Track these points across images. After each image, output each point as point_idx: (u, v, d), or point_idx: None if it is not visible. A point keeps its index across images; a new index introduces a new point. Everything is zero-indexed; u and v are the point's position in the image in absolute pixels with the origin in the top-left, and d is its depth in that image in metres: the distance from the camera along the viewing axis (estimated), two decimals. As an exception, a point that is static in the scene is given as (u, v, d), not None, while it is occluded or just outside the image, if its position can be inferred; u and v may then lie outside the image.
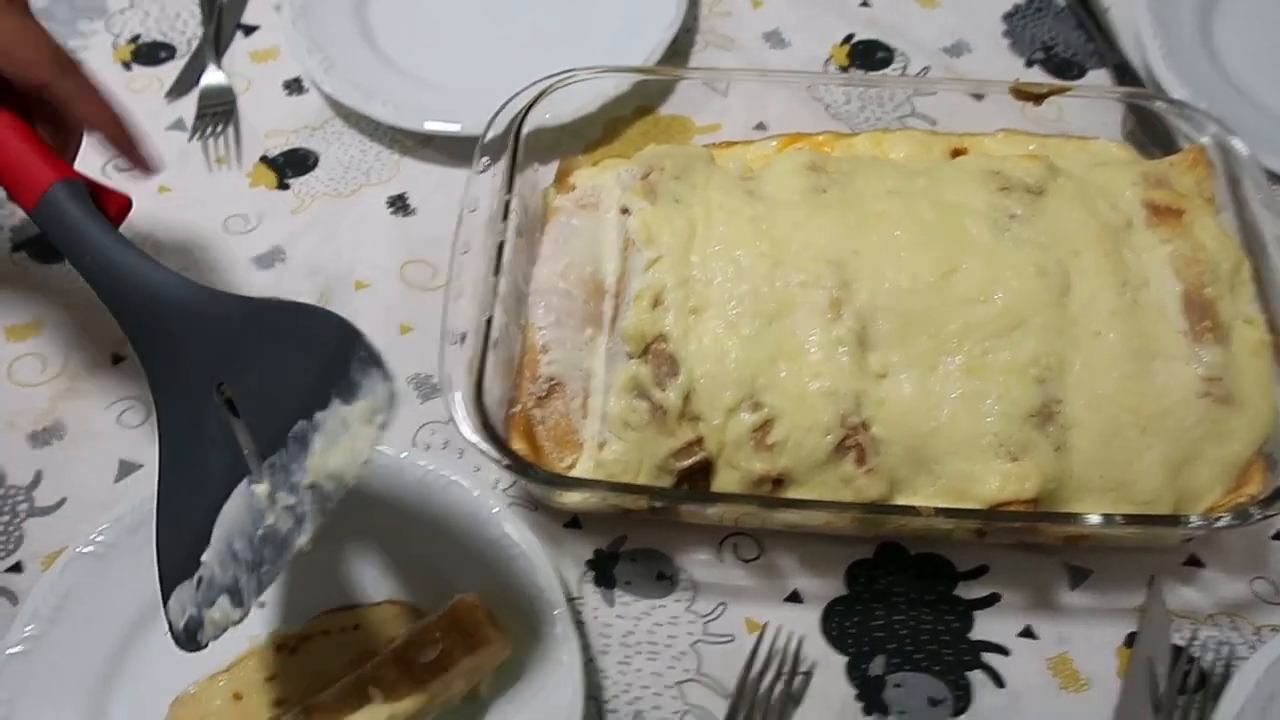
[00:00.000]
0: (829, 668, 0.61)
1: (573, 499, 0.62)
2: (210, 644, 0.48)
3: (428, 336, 0.71)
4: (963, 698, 0.59)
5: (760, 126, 0.80)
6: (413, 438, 0.67)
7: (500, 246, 0.63)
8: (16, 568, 0.62)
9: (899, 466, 0.58)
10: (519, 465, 0.56)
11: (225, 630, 0.47)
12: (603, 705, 0.59)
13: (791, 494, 0.58)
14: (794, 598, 0.63)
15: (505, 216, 0.65)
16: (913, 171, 0.67)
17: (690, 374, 0.59)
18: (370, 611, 0.59)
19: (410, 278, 0.75)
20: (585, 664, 0.57)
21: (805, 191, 0.65)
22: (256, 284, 0.74)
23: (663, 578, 0.63)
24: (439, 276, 0.75)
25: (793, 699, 0.59)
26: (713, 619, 0.62)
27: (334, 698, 0.53)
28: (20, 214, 0.77)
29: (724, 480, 0.59)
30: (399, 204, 0.79)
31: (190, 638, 0.48)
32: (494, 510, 0.61)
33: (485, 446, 0.56)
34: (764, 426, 0.58)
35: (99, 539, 0.60)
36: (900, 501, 0.58)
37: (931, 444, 0.58)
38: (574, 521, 0.65)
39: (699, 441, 0.59)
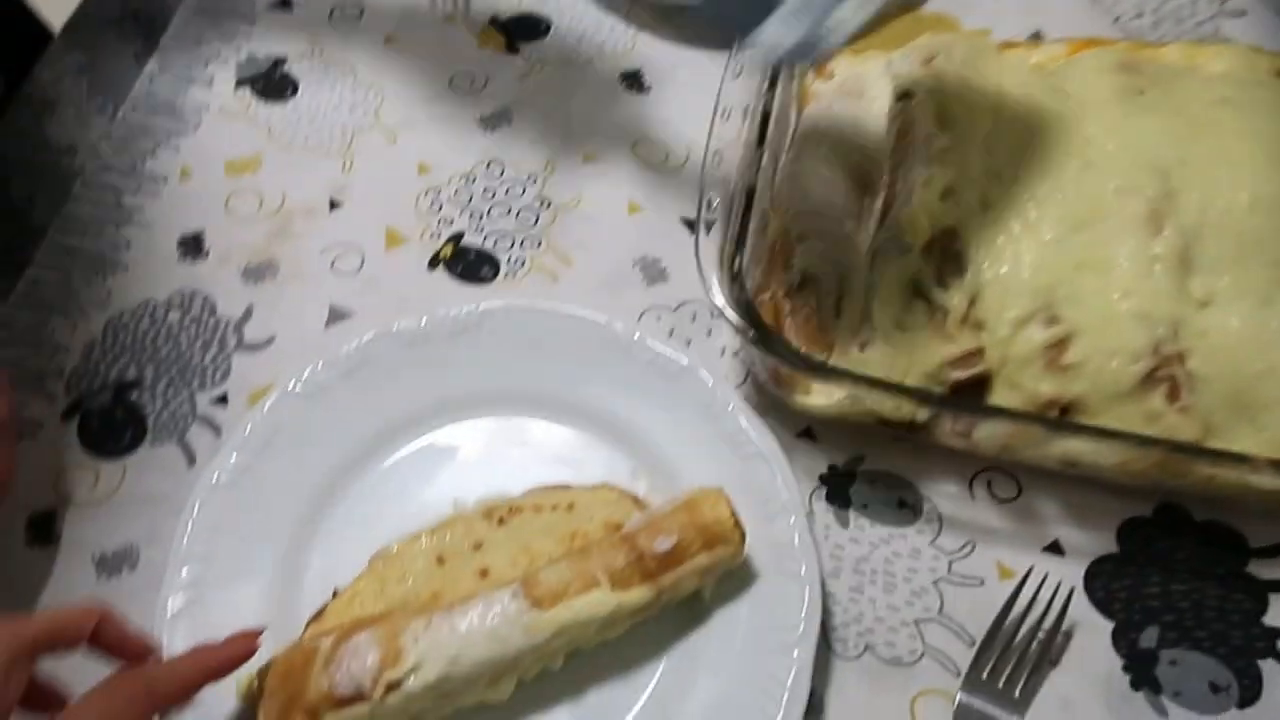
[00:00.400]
0: (1092, 631, 0.53)
1: (817, 402, 0.55)
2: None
3: (656, 218, 0.66)
4: (1251, 688, 0.51)
5: (1036, 36, 0.72)
6: (637, 322, 0.62)
7: (765, 118, 0.57)
8: (222, 399, 0.60)
9: (1216, 409, 0.50)
10: (778, 344, 0.50)
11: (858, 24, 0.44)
12: (830, 631, 0.53)
13: (1082, 425, 0.50)
14: (1054, 548, 0.55)
15: (772, 85, 0.58)
16: (1245, 82, 0.58)
17: (978, 275, 0.51)
18: (586, 493, 0.54)
19: (642, 155, 0.69)
20: (821, 580, 0.51)
21: (1119, 91, 0.57)
22: (480, 145, 0.69)
23: (904, 506, 0.56)
24: (672, 158, 0.69)
25: (1050, 660, 0.52)
26: (959, 558, 0.55)
27: (557, 577, 0.48)
28: (247, 49, 0.75)
29: (1001, 401, 0.52)
30: (633, 81, 0.73)
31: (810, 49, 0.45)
32: (729, 406, 0.55)
33: (741, 321, 0.50)
34: (1059, 344, 0.51)
35: (310, 379, 0.57)
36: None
37: (1259, 388, 0.50)
38: (807, 432, 0.59)
39: (979, 352, 0.51)
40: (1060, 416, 0.50)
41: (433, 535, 0.53)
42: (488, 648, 0.46)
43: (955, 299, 0.51)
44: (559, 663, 0.50)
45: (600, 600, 0.47)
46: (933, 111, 0.55)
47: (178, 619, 0.50)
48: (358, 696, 0.45)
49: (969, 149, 0.53)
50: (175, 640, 0.49)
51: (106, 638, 0.44)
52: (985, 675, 0.51)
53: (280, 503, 0.54)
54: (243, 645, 0.45)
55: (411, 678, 0.46)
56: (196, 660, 0.44)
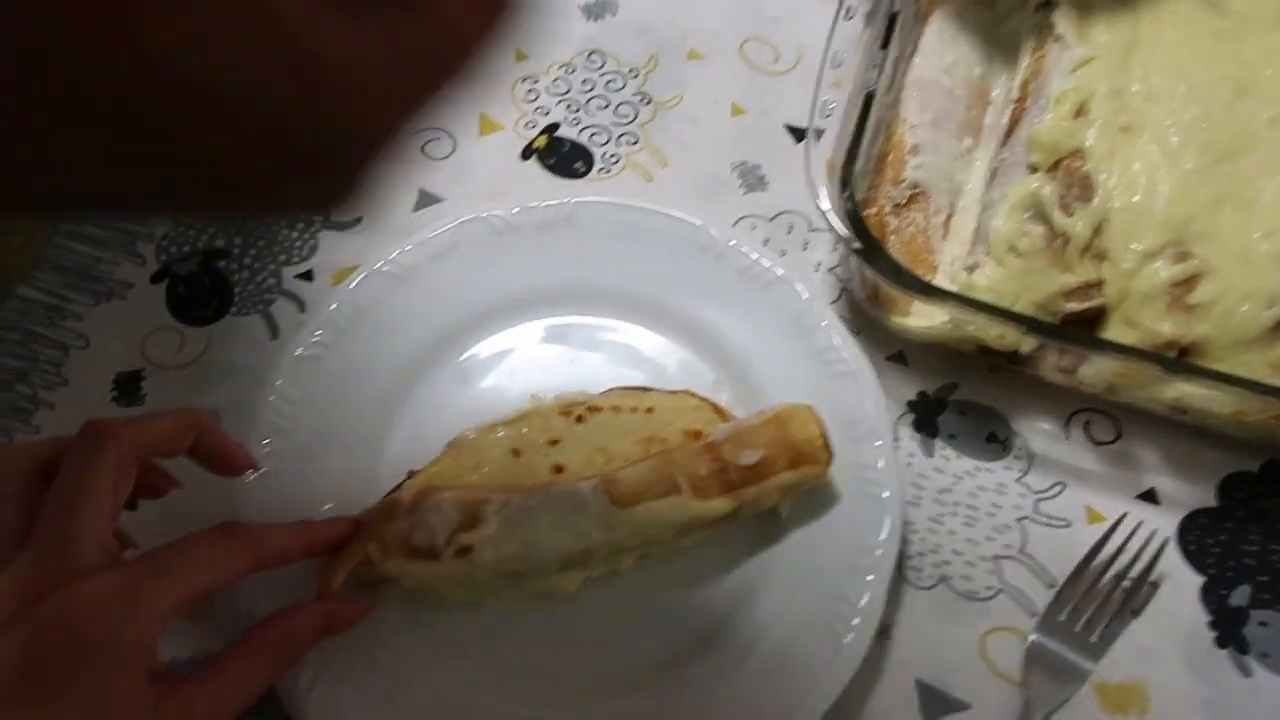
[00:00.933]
0: (1181, 585, 0.51)
1: (915, 324, 0.53)
2: None
3: (760, 122, 0.63)
4: (1347, 657, 0.49)
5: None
6: (731, 229, 0.60)
7: (891, 20, 0.53)
8: (307, 275, 0.59)
9: (1350, 366, 0.47)
10: (885, 260, 0.48)
11: None
12: (905, 560, 0.51)
13: (1200, 370, 0.47)
14: (1149, 496, 0.53)
15: (902, -18, 0.54)
16: None
17: (1107, 202, 0.48)
18: (666, 398, 0.53)
19: (750, 56, 0.66)
20: (903, 507, 0.49)
21: (1286, 13, 0.52)
22: (580, 34, 0.67)
23: (994, 440, 0.54)
24: (781, 60, 0.66)
25: (1133, 609, 0.50)
26: (1047, 498, 0.53)
27: (638, 478, 0.47)
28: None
29: (1116, 338, 0.49)
30: (744, -23, 0.69)
31: None
32: (823, 322, 0.53)
33: (848, 233, 0.48)
34: (1187, 282, 0.47)
35: (399, 259, 0.56)
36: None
37: (1401, 346, 0.46)
38: (899, 356, 0.57)
39: (1099, 285, 0.49)
40: (1179, 358, 0.48)
41: (509, 426, 0.52)
42: (562, 536, 0.46)
43: (1079, 225, 0.48)
44: (627, 564, 0.49)
45: (679, 505, 0.46)
46: (1074, 22, 0.51)
47: (254, 489, 0.51)
48: (430, 552, 0.46)
49: (1110, 65, 0.50)
50: (251, 511, 0.50)
51: (206, 447, 0.44)
52: (1063, 616, 0.49)
53: (361, 383, 0.54)
54: (345, 528, 0.46)
55: (486, 548, 0.46)
56: (302, 534, 0.45)
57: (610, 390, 0.53)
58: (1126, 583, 0.50)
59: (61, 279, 0.59)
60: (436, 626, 0.49)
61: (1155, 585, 0.51)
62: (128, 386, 0.56)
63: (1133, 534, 0.50)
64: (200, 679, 0.38)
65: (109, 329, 0.58)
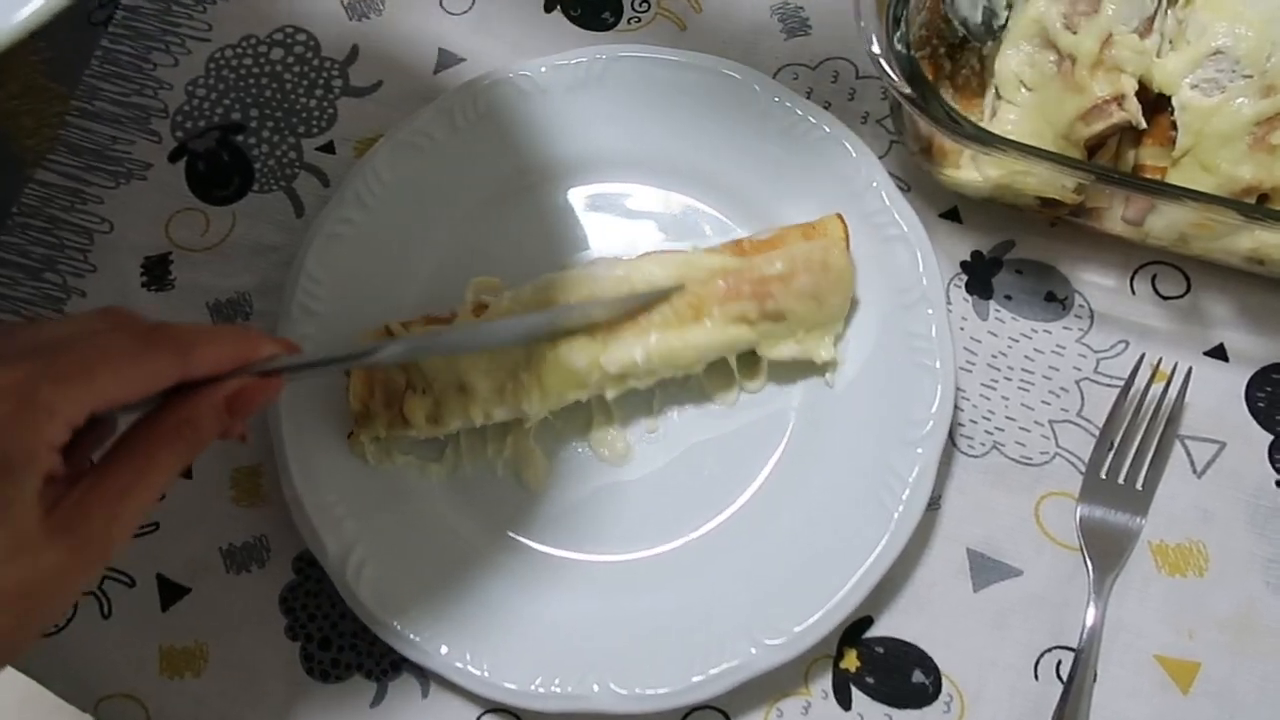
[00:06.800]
0: (1248, 444, 0.49)
1: (969, 178, 0.49)
2: None
3: (803, -41, 0.58)
4: None
5: None
6: (773, 80, 0.56)
7: None
8: (328, 148, 0.57)
9: None
10: (940, 106, 0.44)
11: None
12: (956, 428, 0.50)
13: (1279, 219, 0.44)
14: (1218, 353, 0.50)
15: None
16: None
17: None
18: (702, 256, 0.50)
19: (790, -119, 0.60)
20: (955, 376, 0.48)
21: None
22: None
23: (1053, 299, 0.52)
24: (825, -115, 0.60)
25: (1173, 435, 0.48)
26: (1108, 357, 0.51)
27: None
28: None
29: (1189, 183, 0.45)
30: None
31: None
32: (874, 182, 0.50)
33: (899, 78, 0.44)
34: (1272, 120, 0.43)
35: (420, 129, 0.53)
36: None
37: None
38: (952, 213, 0.53)
39: (1118, 100, 0.45)
40: (1259, 204, 0.44)
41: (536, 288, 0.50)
42: (579, 314, 0.47)
43: (1086, 42, 0.44)
44: (653, 376, 0.48)
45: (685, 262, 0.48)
46: None
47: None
48: (449, 318, 0.48)
49: None
50: (289, 400, 0.49)
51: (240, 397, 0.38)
52: (1104, 474, 0.48)
53: (390, 258, 0.52)
54: (285, 345, 0.40)
55: (504, 301, 0.48)
56: (239, 343, 0.38)
57: (646, 254, 0.51)
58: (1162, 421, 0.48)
59: (79, 161, 0.57)
60: (482, 501, 0.49)
61: (1221, 445, 0.49)
62: (156, 271, 0.55)
63: (1155, 372, 0.49)
64: (94, 480, 0.34)
65: (131, 212, 0.56)
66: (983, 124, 0.48)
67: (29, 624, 0.33)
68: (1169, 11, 0.47)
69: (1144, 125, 0.46)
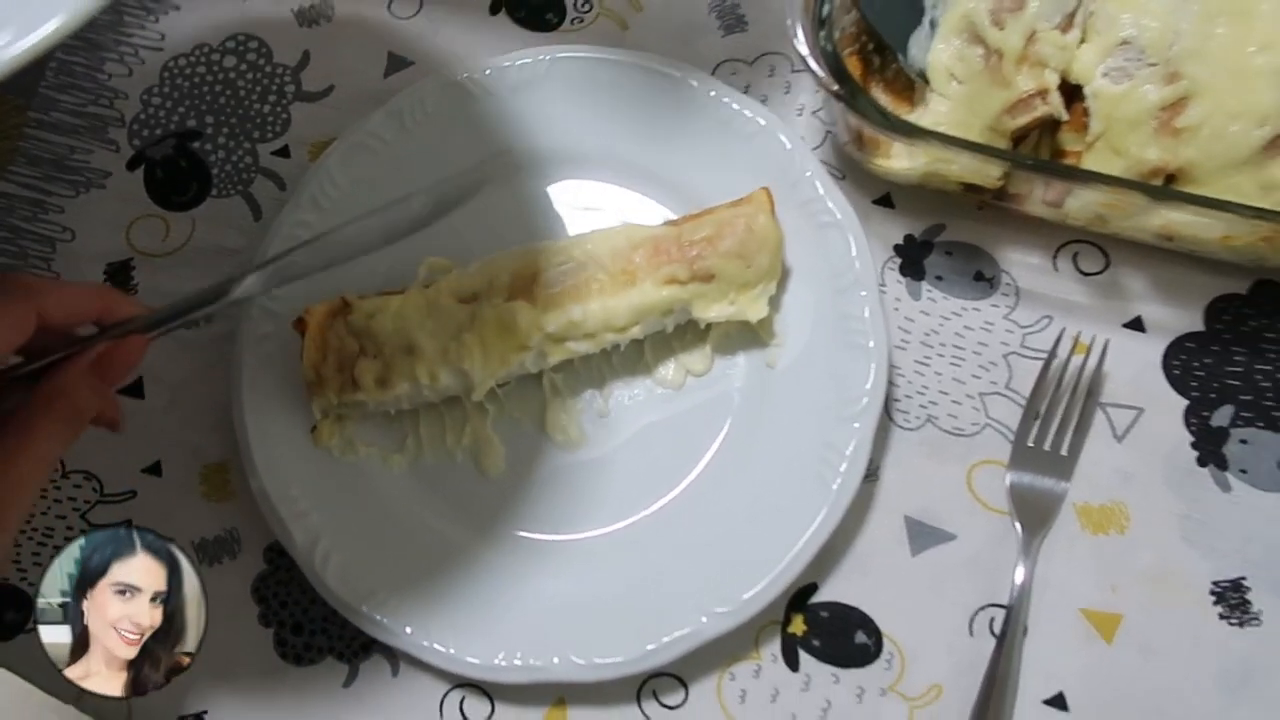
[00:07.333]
0: (1165, 409, 0.52)
1: (899, 166, 0.52)
2: None
3: (737, -43, 0.60)
4: (1322, 469, 0.50)
5: None
6: (711, 76, 0.58)
7: None
8: (283, 152, 0.58)
9: (1341, 185, 0.46)
10: (865, 101, 0.47)
11: None
12: (891, 403, 0.53)
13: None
14: (1136, 324, 0.53)
15: None
16: None
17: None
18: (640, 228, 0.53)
19: (723, -118, 0.62)
20: (889, 354, 0.50)
21: None
22: None
23: (981, 278, 0.54)
24: (756, -115, 0.62)
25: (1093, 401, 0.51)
26: (1033, 331, 0.54)
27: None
28: None
29: (1102, 167, 0.48)
30: None
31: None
32: (807, 172, 0.52)
33: (826, 75, 0.47)
34: (1175, 105, 0.46)
35: (373, 129, 0.55)
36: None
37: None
38: (885, 199, 0.56)
39: (1042, 94, 0.48)
40: (1165, 184, 0.47)
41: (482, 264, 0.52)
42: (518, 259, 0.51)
43: (1012, 38, 0.47)
44: (592, 340, 0.50)
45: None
46: None
47: (256, 372, 0.52)
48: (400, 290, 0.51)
49: None
50: (253, 398, 0.51)
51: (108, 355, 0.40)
52: (1031, 441, 0.51)
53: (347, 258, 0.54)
54: (142, 307, 0.41)
55: (453, 275, 0.51)
56: (98, 296, 0.40)
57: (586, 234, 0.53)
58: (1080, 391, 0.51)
59: (38, 171, 0.59)
60: (443, 488, 0.51)
61: (1139, 411, 0.52)
62: (119, 277, 0.56)
63: (1075, 344, 0.52)
64: None
65: (92, 219, 0.58)
66: (912, 116, 0.51)
67: None
68: (1086, 6, 0.50)
69: (1066, 118, 0.49)
